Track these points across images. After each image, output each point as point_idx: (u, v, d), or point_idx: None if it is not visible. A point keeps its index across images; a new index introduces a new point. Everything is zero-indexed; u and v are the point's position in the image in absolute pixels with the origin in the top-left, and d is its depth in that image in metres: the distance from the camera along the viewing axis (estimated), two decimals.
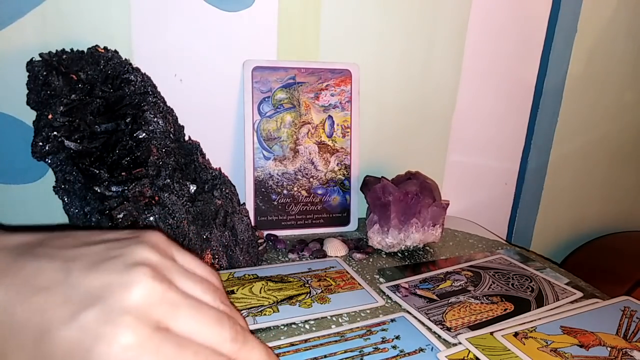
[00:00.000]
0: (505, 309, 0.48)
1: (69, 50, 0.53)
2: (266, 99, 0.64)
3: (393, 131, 0.74)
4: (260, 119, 0.64)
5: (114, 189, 0.47)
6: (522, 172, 0.86)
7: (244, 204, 0.59)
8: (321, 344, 0.41)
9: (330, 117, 0.67)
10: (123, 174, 0.48)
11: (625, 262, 0.81)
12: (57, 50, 0.52)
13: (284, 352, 0.39)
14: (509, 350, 0.41)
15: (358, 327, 0.43)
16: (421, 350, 0.41)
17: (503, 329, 0.44)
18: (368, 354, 0.40)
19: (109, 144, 0.49)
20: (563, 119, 0.85)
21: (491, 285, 0.53)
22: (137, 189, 0.47)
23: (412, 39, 0.71)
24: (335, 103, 0.67)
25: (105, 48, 0.54)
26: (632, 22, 0.84)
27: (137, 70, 0.54)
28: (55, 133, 0.48)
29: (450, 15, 0.72)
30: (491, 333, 0.43)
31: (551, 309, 0.48)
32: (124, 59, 0.54)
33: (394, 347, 0.41)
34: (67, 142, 0.48)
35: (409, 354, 0.40)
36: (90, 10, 0.56)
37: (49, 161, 0.48)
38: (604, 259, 0.86)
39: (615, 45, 0.85)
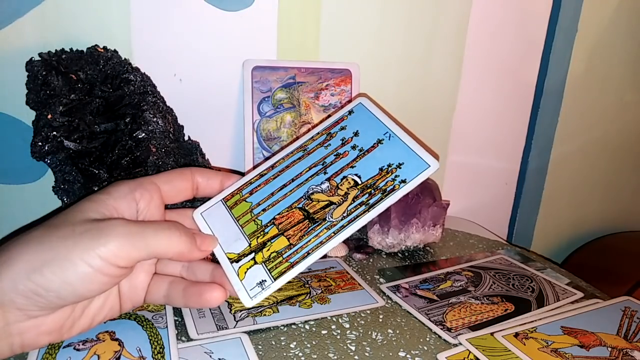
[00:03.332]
0: (506, 310, 0.48)
1: (69, 50, 0.53)
2: (266, 99, 0.64)
3: None
4: (260, 118, 0.64)
5: None
6: (522, 172, 0.86)
7: None
8: (287, 166, 0.41)
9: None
10: (122, 174, 0.48)
11: (626, 262, 0.81)
12: (56, 50, 0.52)
13: (257, 187, 0.41)
14: (510, 350, 0.41)
15: (318, 134, 0.43)
16: (379, 142, 0.40)
17: (503, 330, 0.44)
18: (330, 164, 0.40)
19: (108, 143, 0.49)
20: (564, 119, 0.85)
21: (492, 285, 0.53)
22: None
23: (412, 38, 0.71)
24: (336, 103, 0.67)
25: (104, 48, 0.54)
26: (633, 21, 0.84)
27: (137, 70, 0.54)
28: (54, 133, 0.47)
29: (450, 15, 0.72)
30: (492, 333, 0.43)
31: (552, 309, 0.48)
32: (123, 58, 0.54)
33: (354, 147, 0.40)
34: (66, 142, 0.47)
35: (367, 151, 0.40)
36: (89, 10, 0.56)
37: (48, 161, 0.48)
38: (604, 259, 0.86)
39: (616, 45, 0.85)
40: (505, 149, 0.84)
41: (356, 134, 0.41)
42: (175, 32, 0.60)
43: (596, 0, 0.79)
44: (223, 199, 0.40)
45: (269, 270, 0.36)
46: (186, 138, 0.57)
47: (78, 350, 0.37)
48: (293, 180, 0.40)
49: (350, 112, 0.43)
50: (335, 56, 0.67)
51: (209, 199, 0.41)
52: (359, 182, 0.38)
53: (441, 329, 0.45)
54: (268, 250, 0.37)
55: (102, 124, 0.49)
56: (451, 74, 0.75)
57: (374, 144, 0.40)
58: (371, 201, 0.37)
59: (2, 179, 0.58)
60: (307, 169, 0.40)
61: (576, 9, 0.78)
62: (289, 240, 0.37)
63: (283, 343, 0.41)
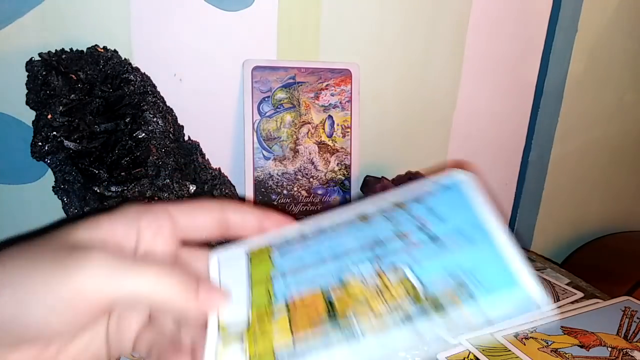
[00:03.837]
0: None
1: (69, 50, 0.53)
2: (266, 99, 0.64)
3: (393, 131, 0.74)
4: (260, 118, 0.64)
5: (114, 189, 0.47)
6: (522, 172, 0.86)
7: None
8: (336, 235, 0.30)
9: (330, 117, 0.67)
10: (122, 174, 0.47)
11: (625, 262, 0.81)
12: (56, 50, 0.52)
13: (293, 248, 0.31)
14: (510, 350, 0.41)
15: (390, 203, 0.30)
16: (471, 242, 0.26)
17: (503, 330, 0.44)
18: (389, 246, 0.28)
19: (108, 143, 0.49)
20: (563, 119, 0.84)
21: None
22: (136, 189, 0.47)
23: (412, 38, 0.71)
24: (336, 103, 0.67)
25: (104, 48, 0.54)
26: (632, 21, 0.84)
27: (137, 70, 0.54)
28: (54, 133, 0.47)
29: (450, 15, 0.72)
30: (492, 333, 0.43)
31: (552, 310, 0.48)
32: (123, 58, 0.54)
33: (433, 238, 0.27)
34: (66, 142, 0.47)
35: (445, 246, 0.26)
36: (89, 9, 0.56)
37: (48, 161, 0.48)
38: (604, 259, 0.86)
39: (616, 45, 0.85)
40: (505, 149, 0.84)
41: (440, 219, 0.28)
42: (175, 32, 0.60)
43: (596, 0, 0.79)
44: (249, 251, 0.32)
45: None
46: (186, 138, 0.57)
47: None
48: (336, 256, 0.29)
49: (443, 187, 0.29)
50: (335, 56, 0.67)
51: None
52: (419, 292, 0.25)
53: None
54: (265, 344, 0.27)
55: (102, 124, 0.49)
56: (451, 73, 0.75)
57: (462, 243, 0.26)
58: (423, 324, 0.24)
59: (2, 179, 0.58)
60: (359, 246, 0.28)
61: (576, 9, 0.78)
62: (294, 343, 0.26)
63: None
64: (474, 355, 0.41)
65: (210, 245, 0.34)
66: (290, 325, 0.27)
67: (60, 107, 0.48)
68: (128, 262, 0.26)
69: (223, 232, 0.32)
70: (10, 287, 0.24)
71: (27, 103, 0.50)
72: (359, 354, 0.25)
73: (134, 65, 0.54)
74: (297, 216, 0.66)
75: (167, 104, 0.55)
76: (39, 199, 0.59)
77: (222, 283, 0.30)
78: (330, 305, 0.27)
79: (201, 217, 0.31)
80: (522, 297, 0.23)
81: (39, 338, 0.27)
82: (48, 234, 0.28)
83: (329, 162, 0.67)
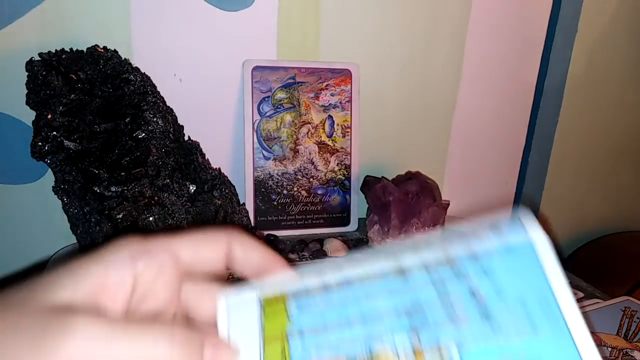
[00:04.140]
0: None
1: (69, 50, 0.53)
2: (266, 99, 0.64)
3: (393, 131, 0.74)
4: (260, 118, 0.64)
5: (114, 189, 0.47)
6: (522, 172, 0.86)
7: (244, 204, 0.59)
8: (366, 292, 0.24)
9: (330, 117, 0.67)
10: (122, 173, 0.47)
11: (625, 262, 0.81)
12: (56, 50, 0.52)
13: (314, 301, 0.25)
14: None
15: (436, 260, 0.24)
16: (531, 325, 0.21)
17: None
18: (429, 317, 0.22)
19: (108, 143, 0.49)
20: (563, 119, 0.84)
21: None
22: (136, 189, 0.47)
23: (412, 38, 0.71)
24: (335, 103, 0.67)
25: (104, 48, 0.54)
26: (632, 21, 0.84)
27: (137, 70, 0.54)
28: (54, 133, 0.47)
29: (450, 15, 0.72)
30: None
31: None
32: (123, 58, 0.54)
33: (485, 315, 0.22)
34: (66, 142, 0.47)
35: (500, 327, 0.21)
36: (89, 10, 0.56)
37: (48, 161, 0.48)
38: (604, 259, 0.86)
39: (615, 45, 0.85)
40: (505, 149, 0.84)
41: (498, 292, 0.22)
42: (175, 32, 0.60)
43: (596, 0, 0.79)
44: (262, 298, 0.27)
45: None
46: (186, 138, 0.57)
47: None
48: (364, 320, 0.24)
49: (508, 249, 0.23)
50: (335, 56, 0.67)
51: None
52: None
53: None
54: None
55: (102, 124, 0.49)
56: (451, 73, 0.75)
57: (523, 325, 0.21)
58: None
59: (2, 179, 0.58)
60: (394, 312, 0.23)
61: (576, 9, 0.78)
62: None
63: None
64: None
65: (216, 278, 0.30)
66: None
67: (60, 107, 0.48)
68: (119, 326, 0.23)
69: (229, 265, 0.29)
70: None
71: (27, 103, 0.50)
72: None
73: (134, 66, 0.54)
74: (296, 218, 0.66)
75: (167, 104, 0.55)
76: (39, 199, 0.59)
77: (230, 335, 0.26)
78: None
79: (206, 251, 0.28)
80: None
81: None
82: (26, 284, 0.25)
83: (329, 162, 0.67)
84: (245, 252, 0.28)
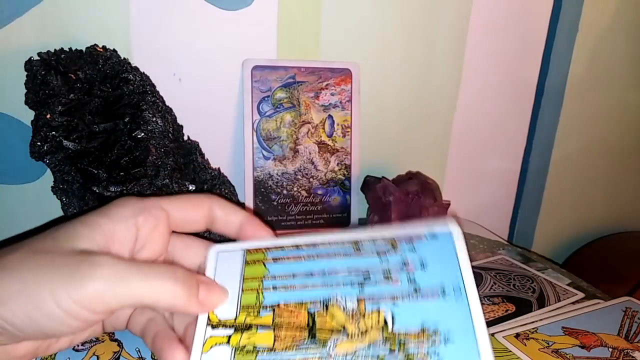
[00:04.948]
0: (507, 310, 0.48)
1: (68, 50, 0.53)
2: (266, 99, 0.64)
3: (394, 131, 0.74)
4: (260, 118, 0.64)
5: (113, 189, 0.47)
6: (523, 172, 0.85)
7: (244, 204, 0.59)
8: (327, 254, 0.32)
9: (330, 116, 0.67)
10: (121, 173, 0.47)
11: (627, 263, 0.81)
12: (55, 50, 0.52)
13: (284, 257, 0.33)
14: (510, 351, 0.41)
15: (382, 239, 0.33)
16: (443, 293, 0.29)
17: (504, 330, 0.43)
18: (373, 283, 0.30)
19: (107, 143, 0.49)
20: (564, 119, 0.84)
21: (492, 286, 0.53)
22: (135, 189, 0.47)
23: (412, 38, 0.71)
24: (336, 102, 0.67)
25: (103, 47, 0.54)
26: (634, 21, 0.84)
27: (136, 69, 0.53)
28: (53, 133, 0.47)
29: (451, 15, 0.71)
30: (492, 334, 0.43)
31: (553, 310, 0.48)
32: (122, 58, 0.54)
33: (410, 280, 0.30)
34: (65, 142, 0.47)
35: (423, 295, 0.29)
36: (88, 9, 0.56)
37: (47, 161, 0.48)
38: (605, 260, 0.85)
39: (617, 45, 0.84)
40: (506, 149, 0.84)
41: (423, 266, 0.31)
42: (174, 32, 0.60)
43: (597, 0, 0.79)
44: (247, 249, 0.34)
45: None
46: (185, 138, 0.57)
47: (77, 350, 0.37)
48: (324, 274, 0.31)
49: (432, 236, 0.32)
50: (335, 56, 0.67)
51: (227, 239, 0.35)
52: (389, 326, 0.28)
53: None
54: (249, 338, 0.29)
55: (101, 123, 0.49)
56: (452, 73, 0.75)
57: (436, 291, 0.29)
58: None
59: (1, 179, 0.58)
60: (347, 271, 0.31)
61: (577, 9, 0.78)
62: (274, 342, 0.29)
63: None
64: None
65: (199, 235, 0.37)
66: (273, 325, 0.30)
67: (59, 107, 0.48)
68: (133, 269, 0.28)
69: (209, 226, 0.35)
70: (24, 295, 0.26)
71: (26, 103, 0.50)
72: None
73: (133, 65, 0.54)
74: (295, 218, 0.66)
75: (167, 103, 0.55)
76: (38, 199, 0.59)
77: (216, 277, 0.33)
78: (312, 319, 0.30)
79: (191, 212, 0.34)
80: (473, 354, 0.26)
81: (50, 337, 0.30)
82: (46, 235, 0.30)
83: (329, 162, 0.67)
84: (226, 214, 0.34)
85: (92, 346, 0.38)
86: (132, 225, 0.31)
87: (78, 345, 0.38)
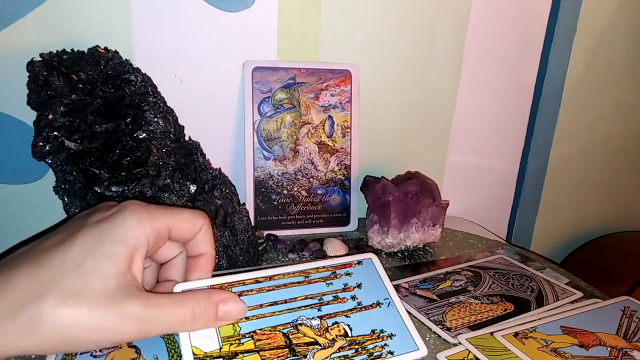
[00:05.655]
0: (505, 309, 0.48)
1: (70, 51, 0.53)
2: (266, 99, 0.65)
3: (393, 131, 0.74)
4: (260, 119, 0.64)
5: (114, 189, 0.47)
6: (521, 172, 0.86)
7: (244, 204, 0.59)
8: (284, 284, 0.39)
9: (330, 117, 0.67)
10: (123, 174, 0.48)
11: (625, 262, 0.81)
12: (57, 51, 0.52)
13: (248, 290, 0.38)
14: (509, 350, 0.41)
15: (324, 268, 0.42)
16: (379, 304, 0.40)
17: (503, 329, 0.44)
18: (326, 304, 0.39)
19: (109, 144, 0.49)
20: (563, 119, 0.85)
21: (491, 285, 0.53)
22: (137, 189, 0.47)
23: (412, 39, 0.71)
24: (335, 103, 0.67)
25: (105, 48, 0.54)
26: (632, 22, 0.84)
27: (138, 70, 0.54)
28: (55, 133, 0.48)
29: (450, 15, 0.72)
30: (491, 333, 0.43)
31: (551, 309, 0.48)
32: (124, 59, 0.54)
33: (353, 297, 0.40)
34: (67, 142, 0.48)
35: (365, 307, 0.39)
36: (90, 10, 0.56)
37: (49, 161, 0.48)
38: (604, 259, 0.86)
39: (615, 46, 0.85)
40: (504, 149, 0.84)
41: (359, 286, 0.40)
42: (175, 33, 0.60)
43: (595, 0, 0.79)
44: (211, 286, 0.37)
45: None
46: (187, 138, 0.57)
47: (95, 357, 0.37)
48: (286, 302, 0.38)
49: (359, 262, 0.43)
50: (335, 57, 0.68)
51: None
52: (349, 334, 0.37)
53: (441, 328, 0.45)
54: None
55: (103, 124, 0.49)
56: (451, 74, 0.75)
57: (373, 304, 0.39)
58: (356, 359, 0.36)
59: (2, 178, 0.58)
60: (303, 297, 0.39)
61: (575, 10, 0.79)
62: (259, 356, 0.35)
63: None
64: (474, 355, 0.41)
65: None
66: (257, 349, 0.35)
67: (61, 108, 0.48)
68: (155, 309, 0.31)
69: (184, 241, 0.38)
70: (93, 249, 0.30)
71: (28, 103, 0.50)
72: None
73: (134, 66, 0.54)
74: (296, 217, 0.66)
75: (168, 104, 0.55)
76: (39, 199, 0.59)
77: None
78: (287, 339, 0.36)
79: (184, 227, 0.36)
80: (410, 344, 0.37)
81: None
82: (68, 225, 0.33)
83: (329, 162, 0.68)
84: (203, 241, 0.37)
85: (110, 352, 0.38)
86: (143, 234, 0.33)
87: (96, 352, 0.38)
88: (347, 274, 0.42)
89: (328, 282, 0.41)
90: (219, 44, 0.62)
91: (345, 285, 0.40)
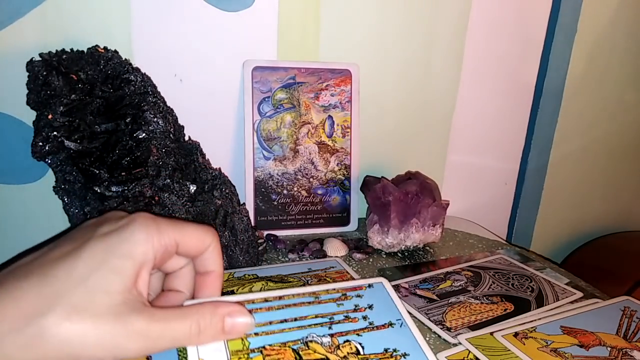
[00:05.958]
0: (505, 309, 0.48)
1: (69, 50, 0.53)
2: (266, 99, 0.64)
3: (393, 131, 0.74)
4: (260, 119, 0.64)
5: (114, 189, 0.47)
6: (522, 172, 0.86)
7: (244, 204, 0.59)
8: (294, 304, 0.39)
9: (330, 117, 0.67)
10: (123, 174, 0.48)
11: (625, 262, 0.81)
12: (57, 50, 0.52)
13: (257, 309, 0.38)
14: (509, 350, 0.41)
15: (334, 290, 0.42)
16: (390, 324, 0.39)
17: (503, 329, 0.44)
18: (337, 322, 0.39)
19: (109, 144, 0.49)
20: (563, 119, 0.85)
21: (491, 285, 0.53)
22: (137, 189, 0.47)
23: (412, 38, 0.71)
24: (335, 103, 0.67)
25: (105, 48, 0.54)
26: (632, 21, 0.84)
27: (137, 70, 0.54)
28: (55, 133, 0.48)
29: (450, 15, 0.72)
30: (491, 333, 0.43)
31: (551, 309, 0.48)
32: (124, 59, 0.54)
33: (365, 317, 0.39)
34: (67, 142, 0.48)
35: (377, 327, 0.39)
36: (90, 10, 0.56)
37: (49, 161, 0.48)
38: (604, 259, 0.86)
39: (615, 45, 0.85)
40: (504, 149, 0.84)
41: (370, 307, 0.40)
42: (175, 33, 0.60)
43: (595, 0, 0.79)
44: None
45: None
46: (186, 138, 0.57)
47: None
48: (296, 319, 0.38)
49: (370, 285, 0.43)
50: (335, 56, 0.68)
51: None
52: (361, 352, 0.36)
53: (441, 328, 0.45)
54: None
55: (103, 124, 0.49)
56: (451, 74, 0.75)
57: (385, 324, 0.39)
58: None
59: (2, 179, 0.58)
60: (314, 316, 0.39)
61: (575, 9, 0.78)
62: None
63: None
64: (474, 355, 0.41)
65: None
66: None
67: (61, 107, 0.48)
68: (160, 322, 0.31)
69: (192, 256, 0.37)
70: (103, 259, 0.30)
71: (28, 103, 0.50)
72: None
73: (134, 66, 0.54)
74: (296, 217, 0.66)
75: (168, 104, 0.55)
76: (39, 199, 0.59)
77: None
78: (297, 355, 0.35)
79: (193, 243, 0.35)
80: None
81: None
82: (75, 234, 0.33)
83: (329, 162, 0.68)
84: (212, 257, 0.36)
85: None
86: (151, 248, 0.33)
87: None
88: (358, 296, 0.41)
89: (339, 302, 0.40)
90: (219, 44, 0.62)
91: (356, 306, 0.40)
